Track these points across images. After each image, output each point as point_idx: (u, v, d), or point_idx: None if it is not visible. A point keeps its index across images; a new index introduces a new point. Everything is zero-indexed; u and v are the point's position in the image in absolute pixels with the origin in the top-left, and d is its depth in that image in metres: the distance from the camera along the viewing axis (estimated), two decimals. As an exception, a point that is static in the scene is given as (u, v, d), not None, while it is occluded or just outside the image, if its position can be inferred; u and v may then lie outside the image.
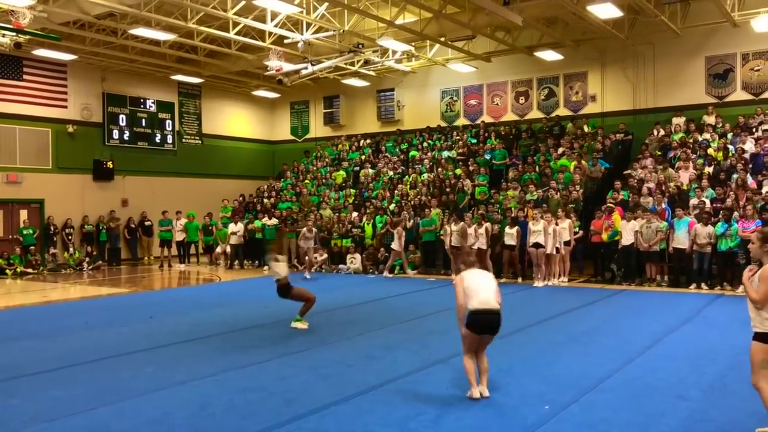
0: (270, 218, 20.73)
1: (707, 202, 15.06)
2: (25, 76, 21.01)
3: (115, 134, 23.44)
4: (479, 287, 6.45)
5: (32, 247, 20.23)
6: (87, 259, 21.19)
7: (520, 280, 16.09)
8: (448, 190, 19.78)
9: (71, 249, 21.24)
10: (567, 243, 15.70)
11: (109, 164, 22.97)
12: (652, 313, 11.45)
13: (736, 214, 14.03)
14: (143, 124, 24.34)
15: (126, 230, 22.99)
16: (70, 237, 21.53)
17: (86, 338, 9.95)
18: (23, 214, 20.85)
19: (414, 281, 16.41)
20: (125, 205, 23.32)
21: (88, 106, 22.69)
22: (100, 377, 7.62)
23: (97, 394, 6.86)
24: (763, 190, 14.81)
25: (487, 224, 16.34)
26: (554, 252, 15.50)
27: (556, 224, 15.55)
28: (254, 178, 27.28)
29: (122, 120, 23.65)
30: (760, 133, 17.40)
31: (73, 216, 21.75)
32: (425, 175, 21.33)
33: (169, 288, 17.47)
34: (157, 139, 24.79)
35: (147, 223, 22.99)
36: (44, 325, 11.15)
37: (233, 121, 27.97)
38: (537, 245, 15.41)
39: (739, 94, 19.29)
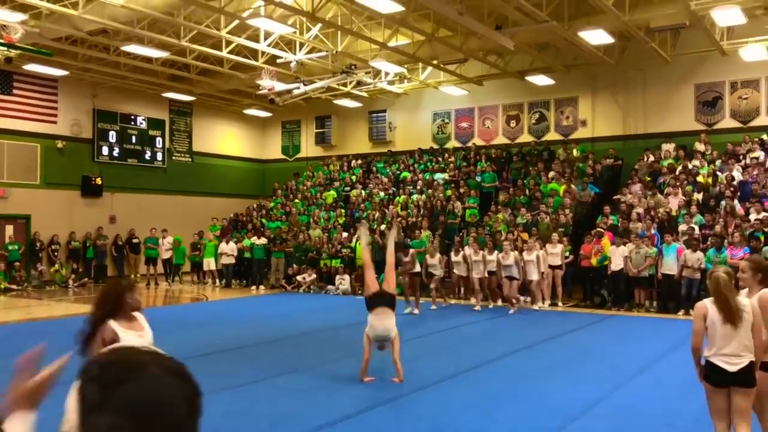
0: (259, 237, 20.63)
1: (696, 228, 15.12)
2: (15, 91, 20.91)
3: (105, 150, 23.33)
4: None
5: (17, 263, 20.00)
6: (73, 276, 20.97)
7: (491, 305, 15.60)
8: (439, 211, 19.77)
9: (56, 265, 20.99)
10: (559, 267, 15.63)
11: (98, 180, 22.82)
12: (641, 339, 11.42)
13: (725, 240, 14.08)
14: (133, 140, 24.25)
15: (113, 247, 22.79)
16: (56, 253, 21.31)
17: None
18: (9, 230, 20.64)
19: (401, 304, 16.30)
20: (113, 222, 23.14)
21: (78, 121, 22.59)
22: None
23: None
24: (752, 218, 14.88)
25: (485, 252, 15.44)
26: (541, 278, 15.27)
27: (544, 250, 15.45)
28: (244, 196, 27.19)
29: (112, 136, 23.55)
30: (748, 161, 17.55)
31: (59, 232, 21.53)
32: (415, 197, 21.33)
33: (156, 307, 17.29)
34: (147, 156, 24.70)
35: (135, 241, 22.80)
36: (27, 343, 10.95)
37: (224, 139, 27.93)
38: (510, 278, 14.86)
39: (728, 122, 19.47)
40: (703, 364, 4.89)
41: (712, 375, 4.80)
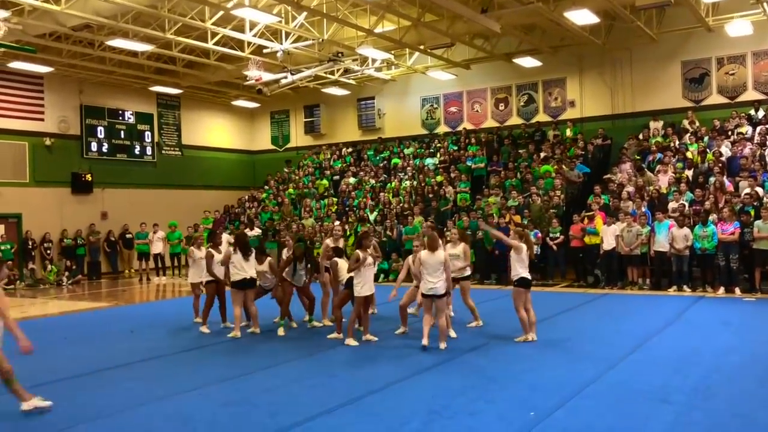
0: (252, 229, 20.57)
1: (686, 204, 15.20)
2: (0, 89, 20.74)
3: (94, 146, 23.21)
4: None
5: (10, 262, 19.89)
6: (66, 273, 20.90)
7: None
8: (431, 196, 19.81)
9: (49, 266, 20.87)
10: (466, 278, 10.74)
11: (88, 177, 22.72)
12: (635, 317, 11.50)
13: (714, 216, 14.17)
14: (122, 136, 24.13)
15: (105, 243, 22.71)
16: (48, 251, 21.23)
17: (64, 354, 9.79)
18: (0, 229, 20.54)
19: (399, 290, 16.32)
20: (105, 218, 23.06)
21: (65, 118, 22.45)
22: (79, 394, 7.50)
23: (77, 412, 6.74)
24: (742, 192, 14.96)
25: (464, 245, 10.76)
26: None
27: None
28: (235, 188, 27.14)
29: (100, 132, 23.43)
30: (735, 137, 17.62)
31: (51, 230, 21.45)
32: (406, 183, 21.34)
33: (151, 301, 17.28)
34: (137, 150, 24.60)
35: (128, 236, 22.73)
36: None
37: (213, 131, 27.82)
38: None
39: (715, 98, 19.53)
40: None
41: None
